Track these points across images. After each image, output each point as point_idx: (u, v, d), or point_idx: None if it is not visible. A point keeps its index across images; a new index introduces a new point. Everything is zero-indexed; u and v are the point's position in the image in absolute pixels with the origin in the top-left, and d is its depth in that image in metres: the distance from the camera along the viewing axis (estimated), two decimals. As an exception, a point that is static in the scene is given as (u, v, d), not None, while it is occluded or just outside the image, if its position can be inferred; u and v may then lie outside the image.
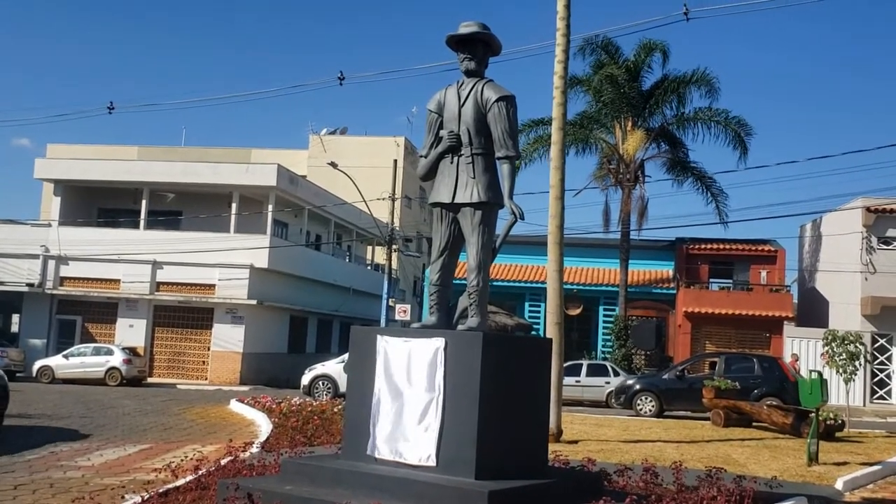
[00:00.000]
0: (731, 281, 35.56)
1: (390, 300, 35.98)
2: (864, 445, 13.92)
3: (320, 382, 23.55)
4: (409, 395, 6.72)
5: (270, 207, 33.03)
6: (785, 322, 32.17)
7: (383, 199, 33.95)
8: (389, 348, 6.90)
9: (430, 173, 7.36)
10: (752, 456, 11.89)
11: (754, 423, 16.77)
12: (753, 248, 35.39)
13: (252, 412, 16.38)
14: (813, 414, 14.01)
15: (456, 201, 7.05)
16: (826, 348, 16.79)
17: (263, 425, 14.30)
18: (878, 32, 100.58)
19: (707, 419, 18.21)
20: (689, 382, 21.79)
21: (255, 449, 10.49)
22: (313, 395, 22.63)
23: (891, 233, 31.70)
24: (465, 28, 7.24)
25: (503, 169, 7.08)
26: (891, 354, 31.14)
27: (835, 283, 34.08)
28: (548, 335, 12.55)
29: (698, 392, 20.15)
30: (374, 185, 37.61)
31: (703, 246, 35.47)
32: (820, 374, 12.02)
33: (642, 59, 32.02)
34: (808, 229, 38.24)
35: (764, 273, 35.06)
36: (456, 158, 7.14)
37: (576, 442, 12.43)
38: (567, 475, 7.54)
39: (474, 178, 7.04)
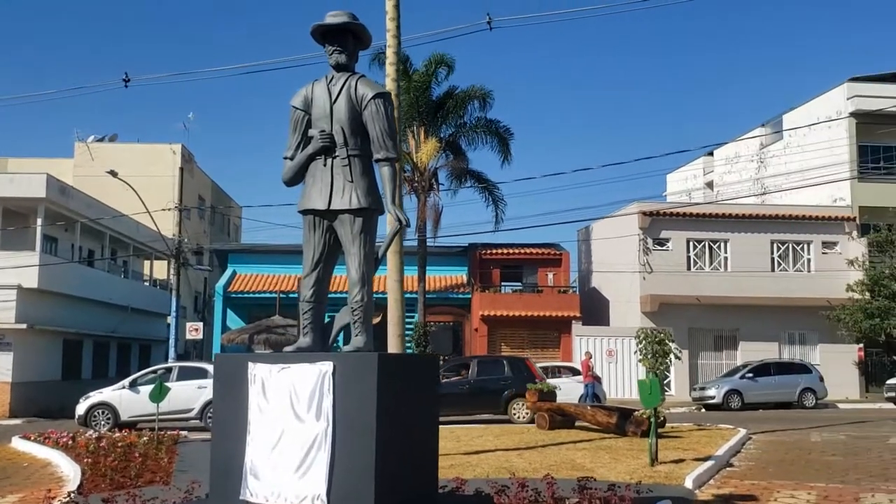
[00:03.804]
0: (521, 284, 36.67)
1: (169, 317, 33.84)
2: (685, 440, 14.45)
3: (98, 411, 21.50)
4: (291, 429, 5.93)
5: (40, 221, 30.03)
6: (573, 321, 33.56)
7: (168, 209, 31.86)
8: (265, 377, 6.08)
9: (297, 177, 6.60)
10: (595, 459, 11.95)
11: (577, 424, 17.09)
12: (540, 251, 36.73)
13: (44, 450, 14.46)
14: (641, 413, 14.49)
15: (332, 208, 6.34)
16: (639, 346, 17.41)
17: (63, 465, 12.64)
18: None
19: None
20: (445, 389, 21.91)
21: (65, 497, 9.10)
22: (90, 426, 20.70)
23: (664, 234, 33.95)
24: (333, 18, 6.53)
25: (383, 172, 6.45)
26: (669, 348, 33.23)
27: (614, 283, 36.00)
28: (390, 349, 12.03)
29: (454, 398, 20.59)
30: (151, 196, 35.11)
31: (494, 251, 36.40)
32: (656, 374, 12.32)
33: (432, 70, 32.35)
34: (586, 233, 40.22)
35: (551, 275, 36.48)
36: (329, 161, 6.42)
37: (420, 458, 11.92)
38: (457, 500, 7.05)
39: (352, 181, 6.36)
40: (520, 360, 23.56)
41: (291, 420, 5.93)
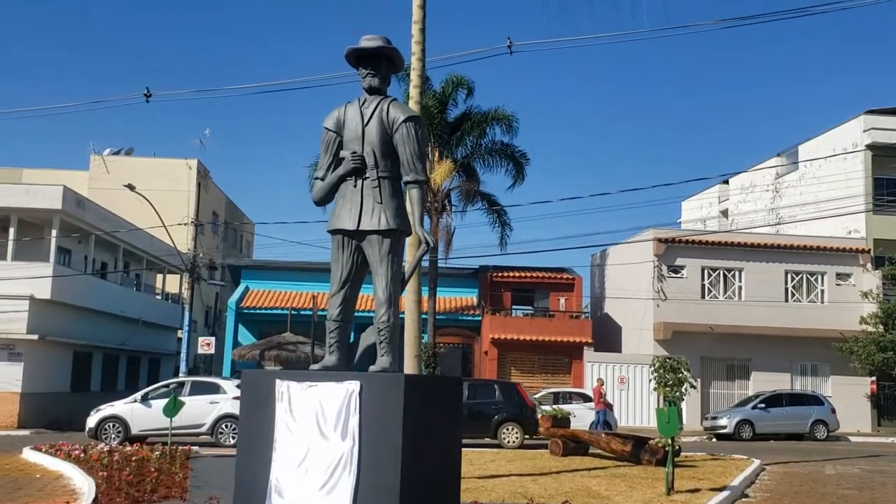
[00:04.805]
0: (532, 308, 36.60)
1: (180, 331, 33.90)
2: (700, 470, 14.38)
3: (109, 424, 21.53)
4: (317, 447, 5.95)
5: (54, 233, 30.19)
6: (585, 347, 33.43)
7: (185, 224, 32.00)
8: (292, 394, 6.11)
9: (328, 197, 6.69)
10: (610, 487, 11.90)
11: (590, 451, 17.02)
12: (552, 276, 36.67)
13: (56, 462, 14.45)
14: (656, 441, 14.42)
15: (361, 228, 6.41)
16: (654, 374, 17.36)
17: (76, 478, 12.63)
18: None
19: None
20: None
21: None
22: (101, 438, 20.73)
23: (679, 262, 33.86)
24: (369, 42, 6.64)
25: (411, 194, 6.54)
26: (684, 377, 33.07)
27: (627, 310, 35.84)
28: (406, 369, 12.02)
29: None
30: (165, 210, 35.22)
31: (505, 274, 36.35)
32: (674, 403, 12.27)
33: (449, 92, 32.44)
34: (600, 258, 40.16)
35: (563, 300, 36.38)
36: (360, 182, 6.49)
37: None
38: (478, 525, 7.03)
39: (381, 203, 6.44)
40: (511, 385, 23.61)
41: (317, 438, 5.94)
